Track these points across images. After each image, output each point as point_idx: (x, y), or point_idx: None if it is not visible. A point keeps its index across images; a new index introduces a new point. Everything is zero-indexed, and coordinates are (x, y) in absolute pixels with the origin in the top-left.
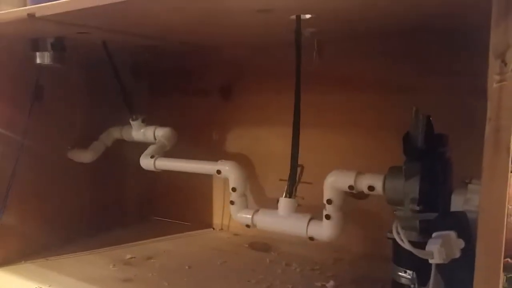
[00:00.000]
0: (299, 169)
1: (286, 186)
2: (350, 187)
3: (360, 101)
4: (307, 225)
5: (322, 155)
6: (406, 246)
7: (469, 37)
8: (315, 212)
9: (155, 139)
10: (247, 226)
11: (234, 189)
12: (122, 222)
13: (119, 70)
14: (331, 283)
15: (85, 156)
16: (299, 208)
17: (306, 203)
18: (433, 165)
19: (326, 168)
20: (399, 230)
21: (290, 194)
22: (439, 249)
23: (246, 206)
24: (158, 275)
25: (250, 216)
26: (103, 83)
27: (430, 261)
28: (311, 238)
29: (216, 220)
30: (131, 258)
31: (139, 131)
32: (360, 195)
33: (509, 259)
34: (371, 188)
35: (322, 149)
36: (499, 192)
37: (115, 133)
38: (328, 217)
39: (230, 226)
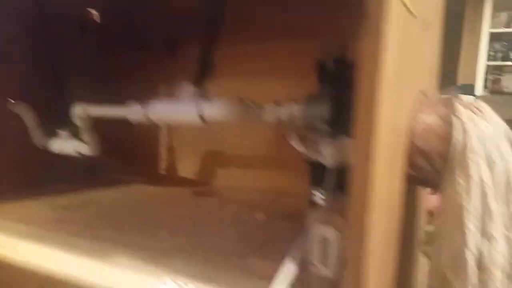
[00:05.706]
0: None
1: None
2: None
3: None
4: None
5: None
6: (302, 149)
7: None
8: None
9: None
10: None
11: None
12: (69, 178)
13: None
14: (260, 214)
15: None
16: None
17: None
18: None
19: None
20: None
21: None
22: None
23: None
24: (90, 217)
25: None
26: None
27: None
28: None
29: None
30: (70, 205)
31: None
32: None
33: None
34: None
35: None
36: None
37: None
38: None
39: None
